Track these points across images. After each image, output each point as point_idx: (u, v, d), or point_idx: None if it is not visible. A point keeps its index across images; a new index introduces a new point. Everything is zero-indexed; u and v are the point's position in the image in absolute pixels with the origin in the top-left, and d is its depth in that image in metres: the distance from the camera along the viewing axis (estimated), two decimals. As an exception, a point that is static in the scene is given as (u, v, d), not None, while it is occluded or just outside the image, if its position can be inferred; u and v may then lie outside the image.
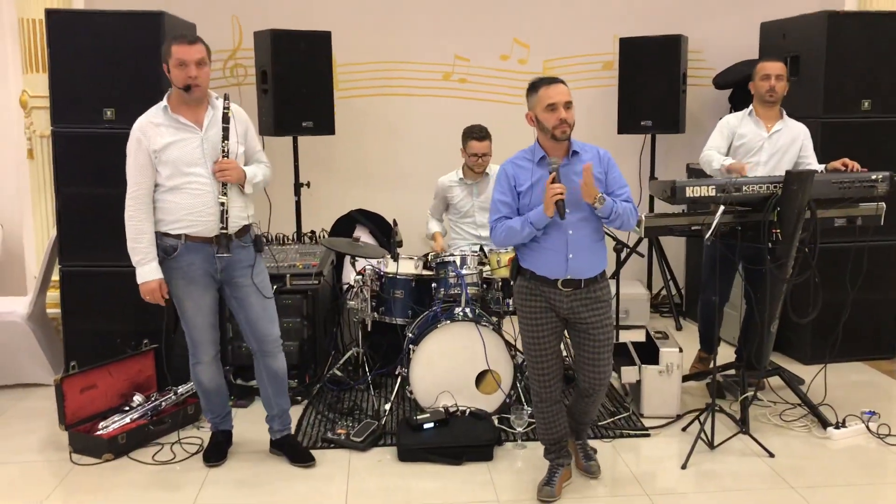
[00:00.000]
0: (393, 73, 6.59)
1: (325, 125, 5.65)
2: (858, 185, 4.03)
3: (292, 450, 3.84)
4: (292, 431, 3.97)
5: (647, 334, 4.63)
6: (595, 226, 3.41)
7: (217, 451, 3.87)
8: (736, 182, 3.96)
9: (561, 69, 6.71)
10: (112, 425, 4.02)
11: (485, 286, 4.46)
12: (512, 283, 3.58)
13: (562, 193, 3.25)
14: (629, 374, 4.34)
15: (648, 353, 4.44)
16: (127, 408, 4.15)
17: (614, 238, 4.81)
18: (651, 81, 5.98)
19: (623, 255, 4.96)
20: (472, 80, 6.70)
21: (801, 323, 4.20)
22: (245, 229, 3.70)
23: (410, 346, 4.18)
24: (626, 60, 6.07)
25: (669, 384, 4.29)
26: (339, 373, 4.64)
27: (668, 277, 6.19)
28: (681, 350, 4.30)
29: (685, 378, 4.67)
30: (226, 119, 3.57)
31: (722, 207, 3.79)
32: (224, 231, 3.56)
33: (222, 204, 3.56)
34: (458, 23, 6.58)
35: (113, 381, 4.23)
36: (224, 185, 3.55)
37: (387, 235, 5.63)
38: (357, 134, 6.57)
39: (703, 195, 3.94)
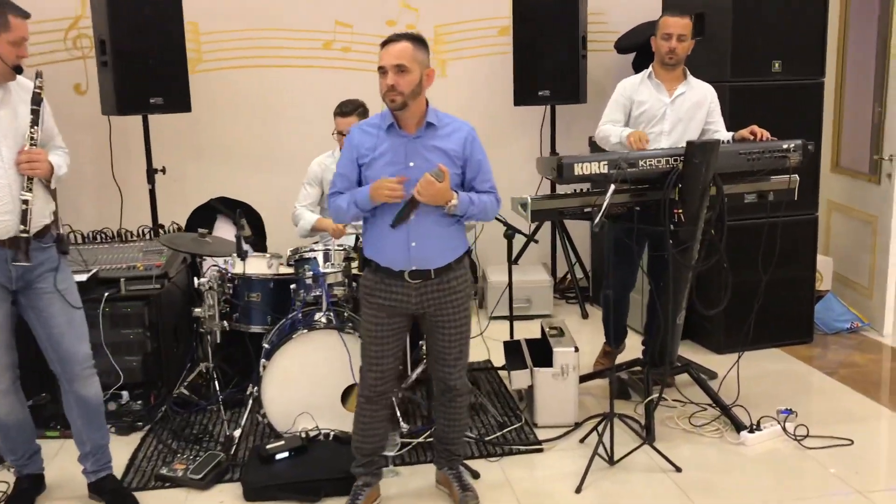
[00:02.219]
0: (265, 43, 5.89)
1: (178, 102, 4.93)
2: (769, 155, 3.54)
3: (113, 495, 3.18)
4: (114, 470, 3.30)
5: (542, 331, 4.10)
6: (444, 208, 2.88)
7: (22, 500, 3.20)
8: (630, 157, 3.43)
9: (454, 35, 6.13)
10: None
11: (355, 285, 3.84)
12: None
13: (399, 195, 2.80)
14: (520, 378, 3.80)
15: (545, 352, 3.90)
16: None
17: (505, 223, 4.25)
18: (548, 47, 5.42)
19: (515, 241, 4.39)
20: (356, 50, 6.05)
21: (709, 315, 3.72)
22: (46, 228, 3.02)
23: (262, 361, 3.55)
24: (520, 24, 5.49)
25: (565, 389, 3.77)
26: (187, 392, 3.97)
27: (573, 261, 5.69)
28: (576, 349, 3.77)
29: (586, 377, 4.17)
30: (37, 100, 2.91)
31: (612, 187, 3.26)
32: (24, 233, 2.88)
33: (25, 202, 2.87)
34: (338, -16, 5.91)
35: None
36: (29, 179, 2.88)
37: (257, 227, 4.97)
38: (224, 111, 5.86)
39: (593, 172, 3.40)
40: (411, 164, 2.85)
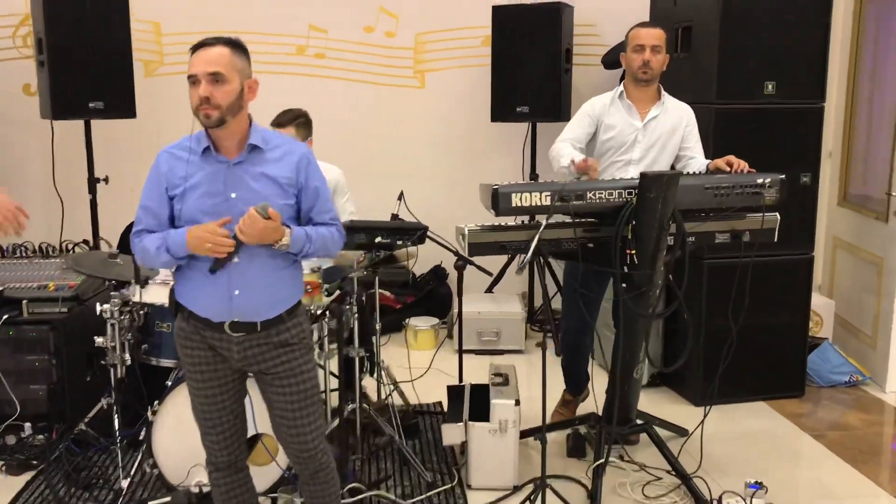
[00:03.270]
0: (233, 47, 5.51)
1: (121, 106, 4.57)
2: (739, 191, 3.07)
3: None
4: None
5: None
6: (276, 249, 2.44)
7: None
8: (577, 188, 2.98)
9: (435, 45, 5.73)
10: None
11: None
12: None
13: (226, 251, 2.38)
14: (451, 433, 3.37)
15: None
16: None
17: (456, 253, 3.82)
18: (529, 60, 4.99)
19: (465, 269, 3.95)
20: (330, 56, 5.68)
21: (667, 372, 3.26)
22: None
23: (155, 403, 3.16)
24: (500, 34, 5.08)
25: (504, 446, 3.32)
26: (88, 428, 3.59)
27: (546, 292, 5.22)
28: (517, 402, 3.32)
29: (535, 430, 3.72)
30: None
31: (544, 223, 2.82)
32: None
33: None
34: (312, -14, 5.54)
35: None
36: None
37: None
38: (186, 118, 5.46)
39: (533, 204, 2.96)
40: (233, 195, 2.41)
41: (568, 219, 3.04)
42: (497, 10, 5.06)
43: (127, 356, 3.40)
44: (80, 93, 4.44)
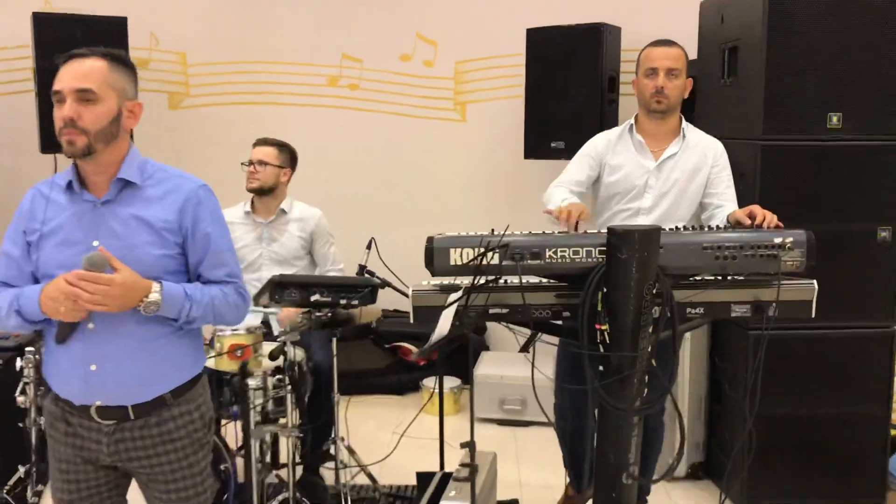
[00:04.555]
0: (262, 77, 5.23)
1: (116, 140, 4.28)
2: (750, 252, 2.35)
3: None
4: None
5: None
6: None
7: None
8: (530, 244, 2.36)
9: (477, 73, 5.21)
10: None
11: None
12: None
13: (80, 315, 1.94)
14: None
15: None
16: None
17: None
18: (566, 89, 4.38)
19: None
20: (364, 87, 5.28)
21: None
22: None
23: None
24: (534, 60, 4.49)
25: (457, 559, 2.70)
26: (7, 497, 3.23)
27: (533, 373, 4.53)
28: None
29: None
30: None
31: (467, 283, 2.22)
32: None
33: None
34: (347, 14, 5.16)
35: None
36: None
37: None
38: (212, 151, 5.19)
39: (477, 262, 2.36)
40: (95, 243, 1.98)
41: (545, 279, 2.44)
42: (532, 34, 4.49)
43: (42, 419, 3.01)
44: (72, 125, 4.17)
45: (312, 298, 2.73)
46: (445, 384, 4.65)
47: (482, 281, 2.38)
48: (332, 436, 3.18)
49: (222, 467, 2.86)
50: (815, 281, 2.49)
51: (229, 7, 5.12)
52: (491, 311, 2.48)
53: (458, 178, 5.23)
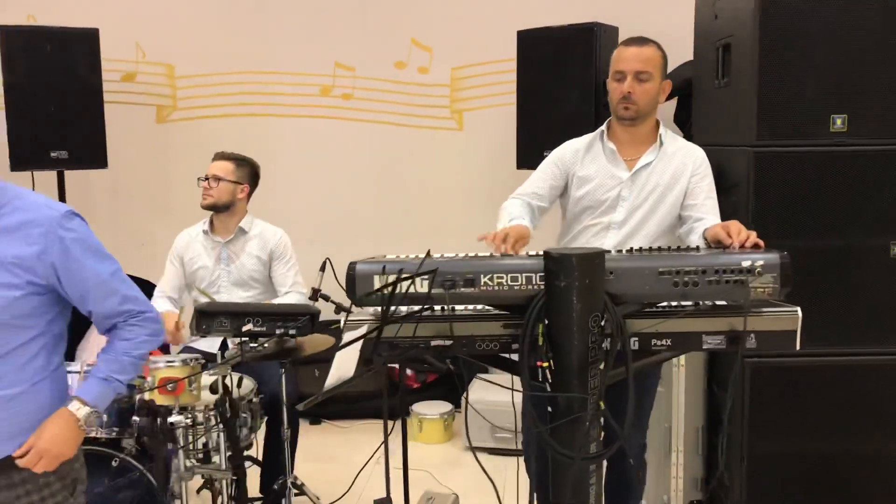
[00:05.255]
0: (252, 88, 5.05)
1: (88, 155, 4.16)
2: (714, 277, 2.04)
3: None
4: None
5: None
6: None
7: None
8: (467, 269, 2.09)
9: (473, 80, 4.96)
10: None
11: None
12: None
13: None
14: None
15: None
16: None
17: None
18: (558, 94, 4.09)
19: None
20: (358, 97, 5.05)
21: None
22: None
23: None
24: (525, 65, 4.21)
25: None
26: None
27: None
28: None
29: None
30: None
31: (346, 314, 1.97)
32: None
33: None
34: (339, 20, 4.95)
35: None
36: None
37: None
38: (201, 167, 5.01)
39: (401, 290, 2.10)
40: None
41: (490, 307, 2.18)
42: (522, 36, 4.21)
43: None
44: (41, 142, 4.04)
45: (244, 328, 2.50)
46: (436, 409, 4.43)
47: (410, 312, 2.13)
48: (283, 476, 2.94)
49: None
50: (798, 309, 2.16)
51: (217, 16, 4.95)
52: (433, 343, 2.23)
53: (457, 189, 4.98)
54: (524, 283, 2.06)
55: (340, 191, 5.06)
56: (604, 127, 2.72)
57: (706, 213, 2.57)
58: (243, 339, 2.52)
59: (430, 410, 4.36)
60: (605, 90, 3.96)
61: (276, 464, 3.07)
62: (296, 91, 5.06)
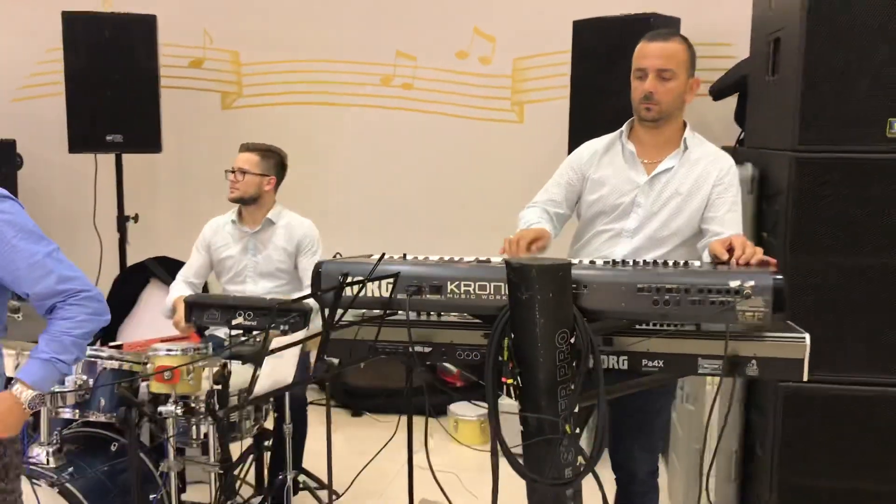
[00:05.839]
0: (314, 77, 5.04)
1: (142, 139, 4.24)
2: (698, 297, 1.84)
3: None
4: None
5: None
6: None
7: None
8: (433, 274, 1.97)
9: (536, 71, 4.78)
10: None
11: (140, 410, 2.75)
12: None
13: None
14: None
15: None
16: None
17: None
18: (610, 87, 3.86)
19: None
20: (418, 87, 4.97)
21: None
22: None
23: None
24: (580, 56, 4.01)
25: None
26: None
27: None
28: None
29: None
30: None
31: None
32: None
33: None
34: (401, 7, 4.87)
35: None
36: None
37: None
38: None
39: (368, 295, 2.00)
40: None
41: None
42: (578, 26, 4.01)
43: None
44: (98, 126, 4.14)
45: (234, 322, 2.46)
46: (474, 411, 4.31)
47: (372, 316, 2.03)
48: (283, 472, 2.90)
49: (152, 497, 2.65)
50: (807, 335, 1.94)
51: (282, 3, 4.96)
52: (415, 348, 2.13)
53: (515, 184, 4.79)
54: (492, 292, 1.92)
55: (397, 182, 4.99)
56: (625, 127, 2.53)
57: (725, 228, 2.33)
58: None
59: (468, 411, 4.25)
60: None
61: (279, 459, 3.03)
62: (356, 80, 5.01)
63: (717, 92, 3.89)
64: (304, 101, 5.05)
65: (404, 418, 4.55)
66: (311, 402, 4.65)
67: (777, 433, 2.78)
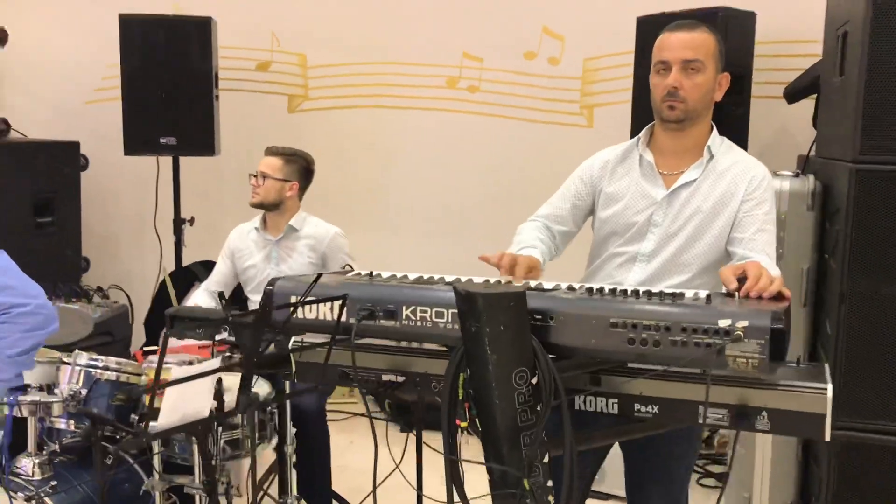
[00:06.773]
0: (379, 79, 4.91)
1: (196, 142, 4.20)
2: (681, 337, 1.55)
3: None
4: None
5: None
6: None
7: None
8: (385, 297, 1.76)
9: (607, 72, 4.48)
10: None
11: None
12: None
13: None
14: None
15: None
16: None
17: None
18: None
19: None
20: (485, 89, 4.76)
21: None
22: None
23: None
24: (644, 55, 3.67)
25: None
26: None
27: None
28: None
29: None
30: None
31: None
32: None
33: None
34: (467, 8, 4.67)
35: None
36: None
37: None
38: (328, 158, 4.94)
39: (319, 318, 1.82)
40: None
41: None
42: (641, 23, 3.69)
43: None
44: (152, 128, 4.14)
45: (218, 337, 2.32)
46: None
47: (325, 342, 1.85)
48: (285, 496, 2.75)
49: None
50: (829, 387, 1.62)
51: (348, 5, 4.85)
52: (384, 377, 1.94)
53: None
54: (450, 320, 1.69)
55: (461, 186, 4.79)
56: (643, 133, 2.23)
57: (753, 251, 2.00)
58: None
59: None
60: (737, 86, 3.37)
61: (302, 480, 2.89)
62: (422, 83, 4.84)
63: (791, 94, 3.47)
64: (369, 104, 4.93)
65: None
66: (357, 415, 4.56)
67: (832, 485, 2.42)
